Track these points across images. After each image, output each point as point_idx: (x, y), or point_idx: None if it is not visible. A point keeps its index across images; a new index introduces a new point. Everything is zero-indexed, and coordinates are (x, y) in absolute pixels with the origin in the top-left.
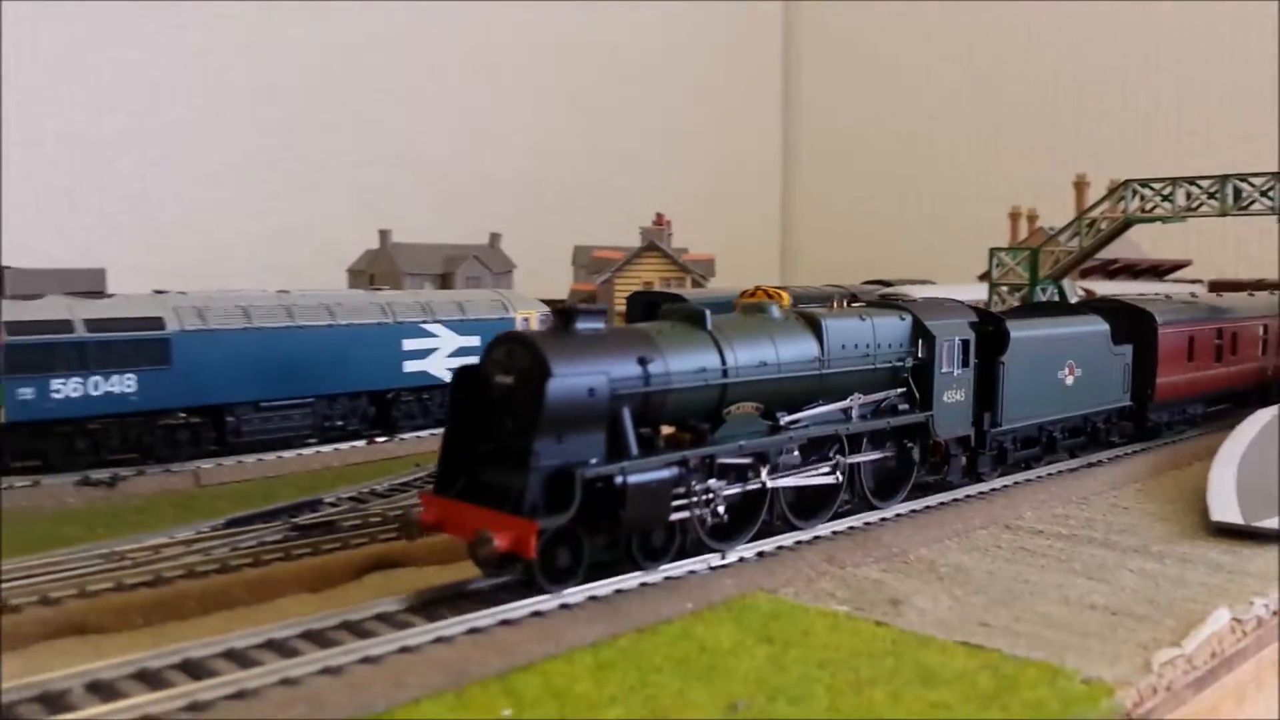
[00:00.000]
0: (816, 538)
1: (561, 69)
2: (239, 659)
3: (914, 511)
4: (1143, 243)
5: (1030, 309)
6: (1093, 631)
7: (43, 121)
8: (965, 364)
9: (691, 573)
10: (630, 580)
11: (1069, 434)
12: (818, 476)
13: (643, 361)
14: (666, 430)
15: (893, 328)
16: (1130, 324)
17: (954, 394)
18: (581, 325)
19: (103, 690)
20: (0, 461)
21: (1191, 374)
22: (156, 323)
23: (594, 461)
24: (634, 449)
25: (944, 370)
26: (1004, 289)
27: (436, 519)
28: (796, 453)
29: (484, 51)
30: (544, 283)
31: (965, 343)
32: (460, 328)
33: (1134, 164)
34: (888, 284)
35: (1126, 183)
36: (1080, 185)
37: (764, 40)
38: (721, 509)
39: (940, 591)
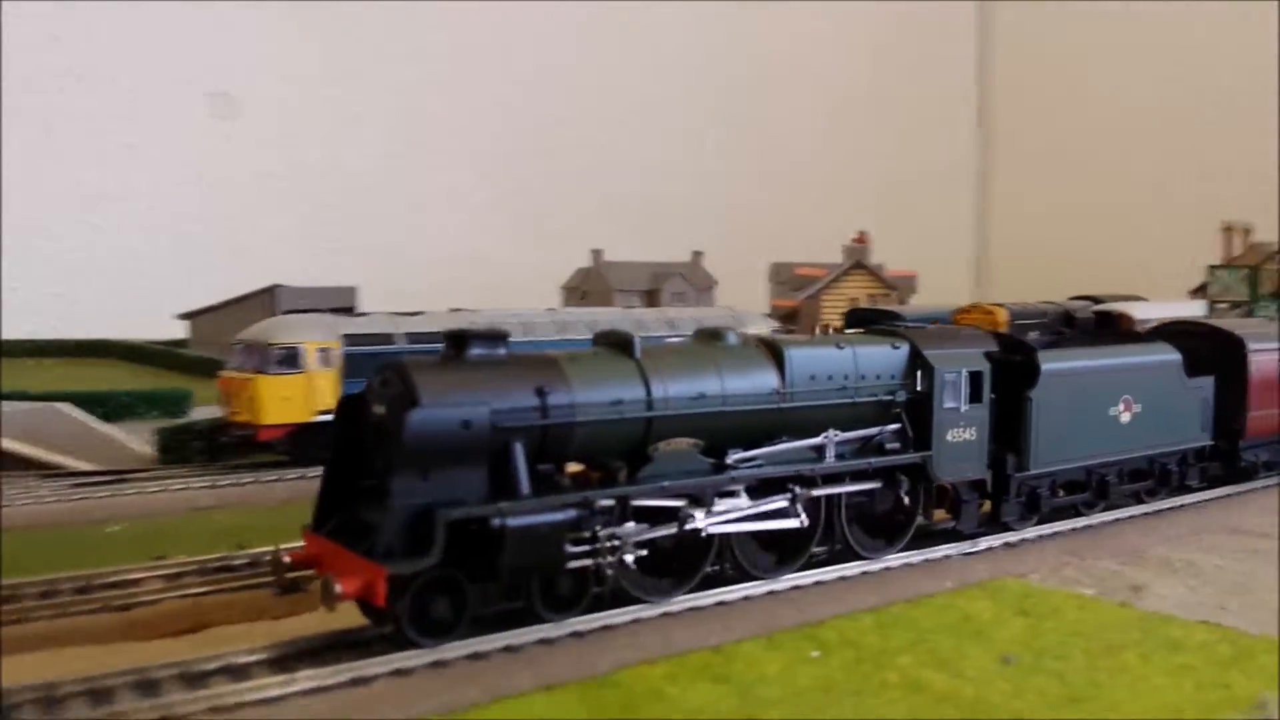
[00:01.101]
0: (1056, 533)
1: (752, 88)
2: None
3: (1147, 514)
4: None
5: (1085, 337)
6: None
7: (292, 155)
8: (977, 398)
9: (947, 557)
10: (896, 559)
11: (1131, 477)
12: (774, 521)
13: (540, 392)
14: (573, 468)
15: (881, 357)
16: (1214, 351)
17: (961, 432)
18: (475, 351)
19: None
20: None
21: None
22: None
23: (472, 502)
24: (525, 488)
25: (947, 405)
26: (1223, 307)
27: (310, 556)
28: (743, 495)
29: (680, 75)
30: (740, 299)
31: (976, 375)
32: None
33: None
34: (1097, 300)
35: None
36: None
37: (957, 53)
38: (630, 557)
39: (1176, 582)
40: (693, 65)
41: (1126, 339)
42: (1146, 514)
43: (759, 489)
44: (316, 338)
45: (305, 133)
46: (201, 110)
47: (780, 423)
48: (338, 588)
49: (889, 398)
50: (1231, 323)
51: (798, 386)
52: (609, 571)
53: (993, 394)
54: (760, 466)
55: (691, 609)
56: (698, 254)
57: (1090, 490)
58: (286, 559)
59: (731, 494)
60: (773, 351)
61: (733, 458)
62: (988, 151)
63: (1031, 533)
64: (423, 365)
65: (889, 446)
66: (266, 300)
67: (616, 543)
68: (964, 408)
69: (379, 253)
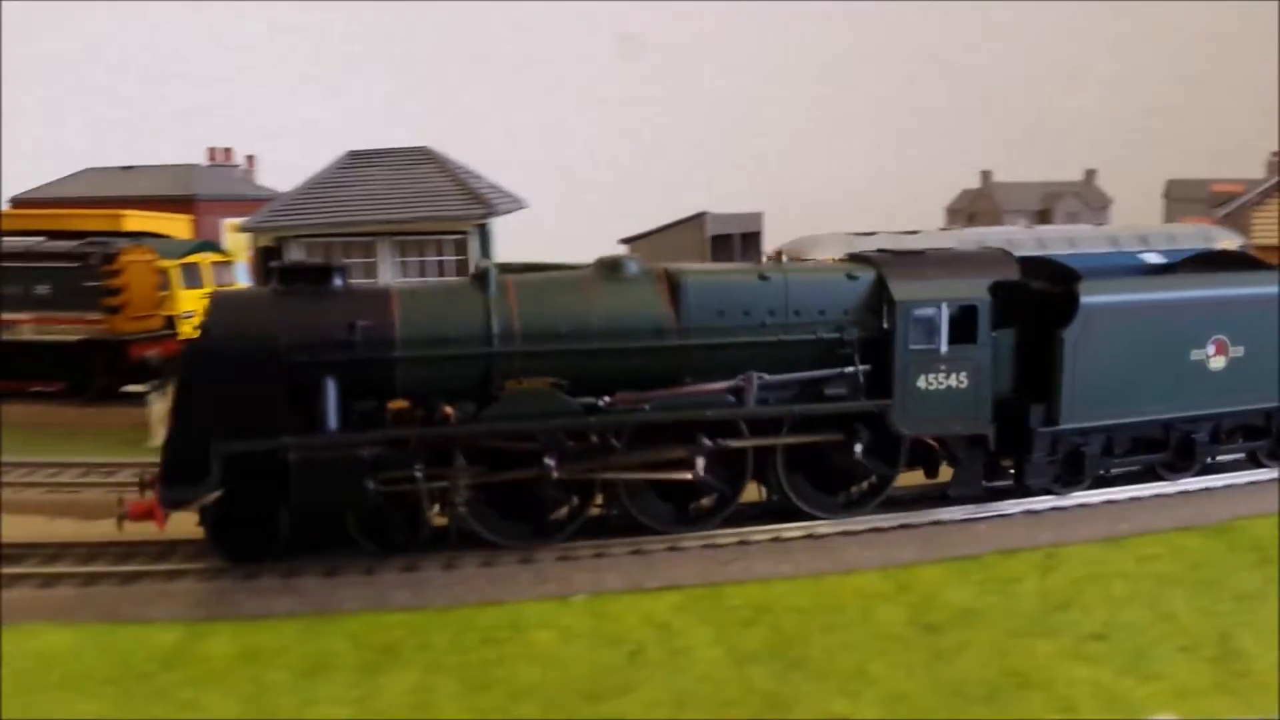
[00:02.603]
0: None
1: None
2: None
3: None
4: None
5: (1173, 266)
6: None
7: (702, 94)
8: (970, 338)
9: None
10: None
11: (1236, 434)
12: (666, 472)
13: (351, 328)
14: (397, 405)
15: (826, 289)
16: None
17: (940, 378)
18: (299, 285)
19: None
20: None
21: None
22: None
23: (268, 435)
24: (331, 424)
25: (918, 346)
26: None
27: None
28: (614, 441)
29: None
30: (1132, 218)
31: (966, 310)
32: (1173, 256)
33: None
34: None
35: None
36: None
37: None
38: (461, 501)
39: None
40: None
41: (1229, 266)
42: None
43: (654, 435)
44: (833, 253)
45: (713, 72)
46: (611, 52)
47: (678, 364)
48: (124, 510)
49: (835, 335)
50: None
51: (699, 322)
52: (430, 512)
53: (994, 332)
54: (643, 411)
55: (1157, 496)
56: (1091, 172)
57: (1170, 450)
58: (147, 477)
59: (604, 440)
60: (671, 284)
61: (604, 401)
62: None
63: None
64: (231, 297)
65: (830, 392)
66: (697, 225)
67: (443, 484)
68: (944, 349)
69: (771, 180)
